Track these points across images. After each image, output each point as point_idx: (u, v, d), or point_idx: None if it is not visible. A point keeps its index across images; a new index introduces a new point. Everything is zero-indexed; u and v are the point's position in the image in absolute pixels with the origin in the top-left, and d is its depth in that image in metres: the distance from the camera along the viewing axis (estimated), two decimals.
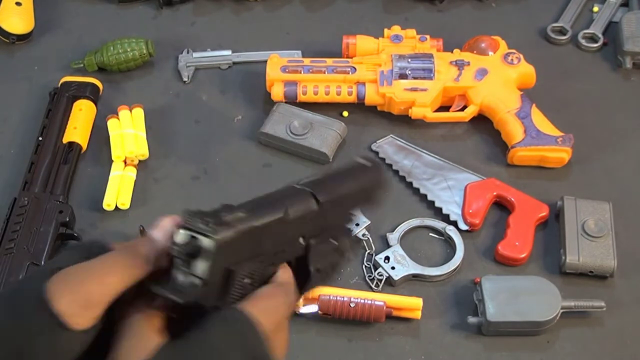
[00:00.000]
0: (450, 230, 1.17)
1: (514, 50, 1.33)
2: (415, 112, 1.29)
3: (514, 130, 1.25)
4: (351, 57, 1.34)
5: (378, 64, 1.31)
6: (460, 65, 1.30)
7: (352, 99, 1.31)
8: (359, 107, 1.33)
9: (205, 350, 0.55)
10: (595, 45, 1.44)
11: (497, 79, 1.30)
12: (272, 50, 1.42)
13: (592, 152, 1.29)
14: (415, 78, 1.29)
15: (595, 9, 1.51)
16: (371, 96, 1.30)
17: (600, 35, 1.45)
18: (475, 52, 1.33)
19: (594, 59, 1.44)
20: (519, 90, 1.30)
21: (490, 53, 1.33)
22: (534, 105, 1.27)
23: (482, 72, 1.30)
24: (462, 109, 1.30)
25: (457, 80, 1.29)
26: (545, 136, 1.24)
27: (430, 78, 1.29)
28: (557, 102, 1.36)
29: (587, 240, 1.14)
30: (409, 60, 1.30)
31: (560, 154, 1.24)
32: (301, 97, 1.31)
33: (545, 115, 1.27)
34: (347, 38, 1.36)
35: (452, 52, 1.33)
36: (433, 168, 1.26)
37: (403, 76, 1.29)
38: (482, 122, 1.31)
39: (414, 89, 1.28)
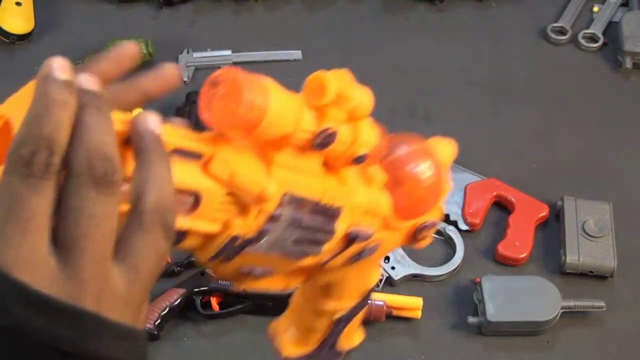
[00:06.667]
0: (450, 230, 1.17)
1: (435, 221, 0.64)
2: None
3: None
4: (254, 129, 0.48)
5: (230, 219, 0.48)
6: (353, 238, 0.55)
7: None
8: None
9: None
10: (595, 45, 1.44)
11: (374, 260, 0.64)
12: (272, 50, 1.42)
13: (592, 152, 1.29)
14: (287, 254, 0.52)
15: (595, 9, 1.51)
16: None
17: (600, 35, 1.45)
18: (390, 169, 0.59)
19: (594, 59, 1.44)
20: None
21: (417, 174, 0.58)
22: None
23: (369, 251, 0.58)
24: None
25: (325, 263, 0.56)
26: None
27: (314, 253, 0.53)
28: (557, 102, 1.36)
29: (587, 240, 1.14)
30: (305, 215, 0.50)
31: None
32: None
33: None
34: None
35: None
36: None
37: (268, 249, 0.50)
38: (483, 123, 1.31)
39: (252, 273, 0.52)
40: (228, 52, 1.43)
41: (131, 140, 0.40)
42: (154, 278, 0.41)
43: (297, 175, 0.48)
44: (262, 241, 0.47)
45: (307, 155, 0.48)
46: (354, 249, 0.55)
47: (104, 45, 1.39)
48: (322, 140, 0.47)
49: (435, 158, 0.59)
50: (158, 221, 0.39)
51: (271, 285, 0.56)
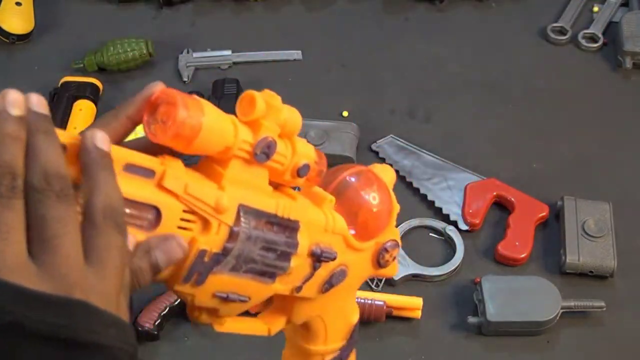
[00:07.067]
0: (450, 230, 1.17)
1: (395, 241, 0.66)
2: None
3: None
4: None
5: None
6: (318, 256, 0.57)
7: None
8: (359, 106, 1.33)
9: None
10: (595, 45, 1.44)
11: (348, 291, 0.66)
12: (272, 50, 1.42)
13: (592, 152, 1.29)
14: (258, 273, 0.54)
15: (595, 9, 1.51)
16: None
17: (600, 35, 1.45)
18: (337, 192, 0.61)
19: (594, 59, 1.44)
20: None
21: (366, 196, 0.61)
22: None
23: (338, 276, 0.61)
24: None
25: (298, 289, 0.58)
26: None
27: (284, 270, 0.55)
28: (557, 102, 1.36)
29: (587, 240, 1.14)
30: (266, 228, 0.53)
31: None
32: None
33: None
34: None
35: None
36: (433, 168, 1.26)
37: (238, 267, 0.52)
38: (483, 123, 1.31)
39: (229, 299, 0.54)
40: (228, 52, 1.43)
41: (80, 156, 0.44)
42: (121, 271, 0.44)
43: (248, 189, 0.51)
44: (229, 256, 0.50)
45: (253, 169, 0.51)
46: (323, 271, 0.57)
47: (104, 45, 1.39)
48: (263, 150, 0.50)
49: (379, 178, 0.61)
50: (109, 220, 0.43)
51: (254, 329, 0.59)
